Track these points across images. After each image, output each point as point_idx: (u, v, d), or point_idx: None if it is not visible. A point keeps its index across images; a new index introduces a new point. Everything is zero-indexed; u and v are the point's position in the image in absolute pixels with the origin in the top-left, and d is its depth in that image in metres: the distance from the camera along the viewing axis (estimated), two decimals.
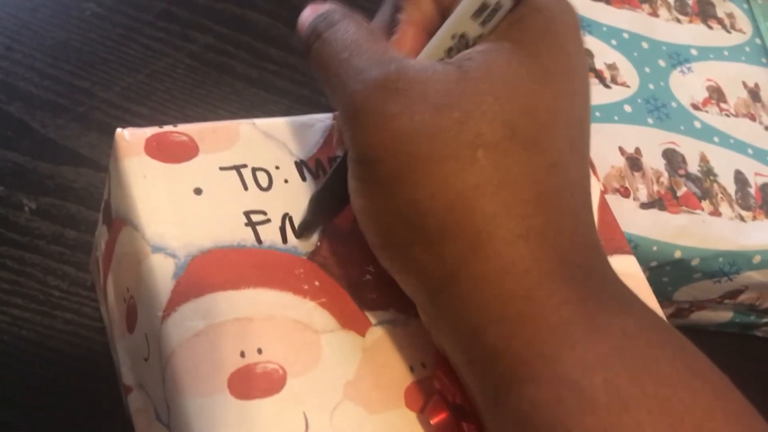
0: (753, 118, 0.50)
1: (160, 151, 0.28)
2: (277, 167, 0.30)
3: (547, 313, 0.21)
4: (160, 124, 0.29)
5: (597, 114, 0.44)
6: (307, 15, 0.26)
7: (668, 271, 0.43)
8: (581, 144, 0.24)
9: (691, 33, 0.51)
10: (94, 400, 0.35)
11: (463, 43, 0.24)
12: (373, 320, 0.28)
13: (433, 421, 0.26)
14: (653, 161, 0.44)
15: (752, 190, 0.46)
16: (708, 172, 0.45)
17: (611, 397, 0.20)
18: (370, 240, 0.25)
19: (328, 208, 0.28)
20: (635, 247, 0.41)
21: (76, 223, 0.39)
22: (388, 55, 0.23)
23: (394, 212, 0.23)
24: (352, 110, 0.23)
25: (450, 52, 0.24)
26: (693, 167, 0.45)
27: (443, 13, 0.26)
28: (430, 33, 0.25)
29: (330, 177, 0.28)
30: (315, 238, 0.29)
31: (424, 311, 0.25)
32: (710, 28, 0.52)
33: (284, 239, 0.28)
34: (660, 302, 0.32)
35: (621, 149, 0.43)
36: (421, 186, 0.22)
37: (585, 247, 0.23)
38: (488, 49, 0.23)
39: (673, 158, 0.45)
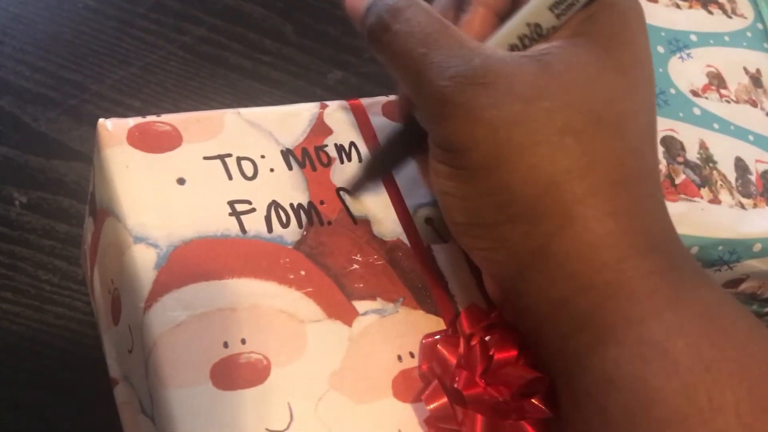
0: (754, 104, 0.49)
1: (143, 141, 0.28)
2: (262, 156, 0.29)
3: (634, 282, 0.23)
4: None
5: None
6: None
7: None
8: (653, 131, 0.26)
9: (690, 18, 0.50)
10: (86, 394, 0.34)
11: (536, 32, 0.26)
12: (360, 310, 0.27)
13: (430, 408, 0.25)
14: None
15: (753, 177, 0.45)
16: (707, 159, 0.45)
17: (693, 359, 0.22)
18: (453, 219, 0.26)
19: (383, 170, 0.30)
20: None
21: (67, 216, 0.39)
22: (467, 48, 0.24)
23: (485, 194, 0.24)
24: (441, 104, 0.24)
25: (523, 39, 0.26)
26: (692, 154, 0.44)
27: None
28: (500, 16, 0.27)
29: (390, 141, 0.29)
30: (302, 227, 0.28)
31: (506, 286, 0.26)
32: (710, 13, 0.51)
33: (269, 229, 0.28)
34: None
35: None
36: (513, 171, 0.24)
37: (664, 226, 0.25)
38: (567, 44, 0.25)
39: (671, 145, 0.44)
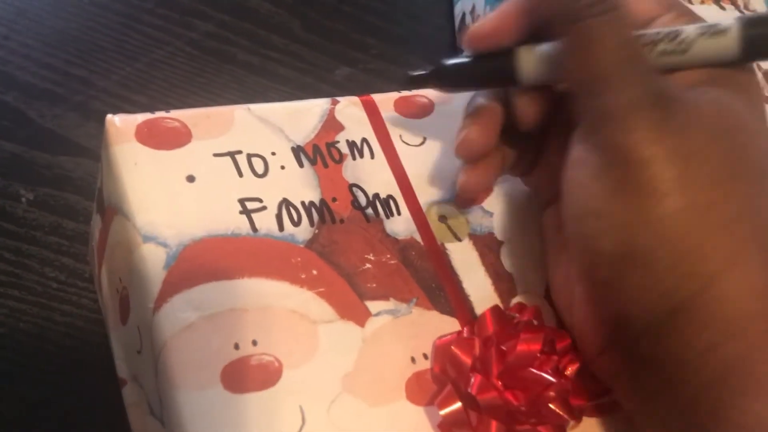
0: (767, 101, 0.48)
1: (152, 137, 0.27)
2: (273, 153, 0.29)
3: None
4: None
5: None
6: None
7: None
8: None
9: (703, 14, 0.49)
10: (92, 392, 0.34)
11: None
12: (372, 310, 0.27)
13: (443, 412, 0.25)
14: None
15: None
16: None
17: None
18: (598, 247, 0.24)
19: (449, 81, 0.28)
20: None
21: (74, 213, 0.39)
22: (654, 72, 0.24)
23: (651, 223, 0.23)
24: (631, 110, 0.23)
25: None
26: None
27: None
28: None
29: (476, 66, 0.28)
30: (314, 226, 0.28)
31: (634, 333, 0.24)
32: (723, 8, 0.51)
33: (281, 227, 0.27)
34: None
35: None
36: (687, 205, 0.23)
37: None
38: (732, 90, 0.25)
39: None
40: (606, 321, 0.25)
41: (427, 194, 0.30)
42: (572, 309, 0.27)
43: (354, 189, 0.29)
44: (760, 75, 0.49)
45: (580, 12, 0.24)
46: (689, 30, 0.25)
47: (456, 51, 0.51)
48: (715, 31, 0.25)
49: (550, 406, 0.24)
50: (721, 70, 0.25)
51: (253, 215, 0.27)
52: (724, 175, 0.23)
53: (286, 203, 0.28)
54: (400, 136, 0.31)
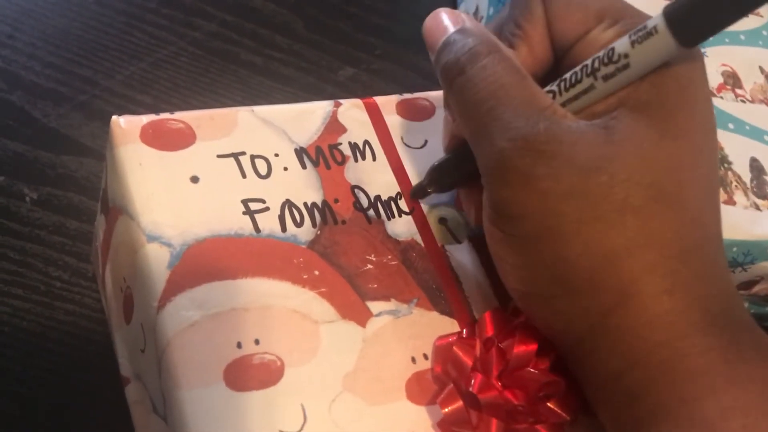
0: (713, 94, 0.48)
1: (156, 138, 0.28)
2: (276, 155, 0.29)
3: (690, 360, 0.22)
4: (162, 112, 0.28)
5: None
6: (443, 27, 0.26)
7: None
8: (715, 196, 0.25)
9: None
10: (95, 391, 0.34)
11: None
12: (373, 311, 0.27)
13: (445, 411, 0.25)
14: None
15: None
16: (722, 159, 0.44)
17: None
18: (509, 284, 0.25)
19: (443, 183, 0.29)
20: None
21: (78, 213, 0.39)
22: (536, 108, 0.23)
23: (539, 266, 0.24)
24: (497, 166, 0.23)
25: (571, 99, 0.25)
26: None
27: (558, 50, 0.26)
28: (538, 60, 0.26)
29: (451, 157, 0.29)
30: (316, 226, 0.28)
31: (564, 352, 0.26)
32: None
33: (283, 228, 0.28)
34: None
35: None
36: (569, 245, 0.23)
37: (726, 296, 0.24)
38: (629, 111, 0.23)
39: None
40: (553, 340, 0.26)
41: (428, 197, 0.30)
42: None
43: (356, 190, 0.29)
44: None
45: (450, 72, 0.25)
46: (621, 44, 0.23)
47: None
48: (644, 34, 0.23)
49: (548, 405, 0.25)
50: (645, 87, 0.24)
51: (256, 216, 0.27)
52: (607, 209, 0.23)
53: (288, 204, 0.28)
54: (402, 138, 0.31)
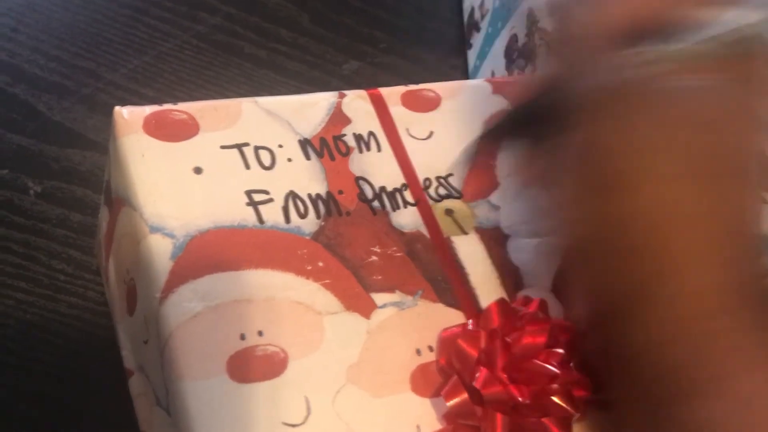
0: None
1: (159, 129, 0.27)
2: (280, 146, 0.29)
3: (731, 335, 0.23)
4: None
5: None
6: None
7: None
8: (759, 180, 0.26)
9: None
10: (99, 384, 0.34)
11: None
12: (378, 302, 0.27)
13: (449, 403, 0.25)
14: None
15: None
16: None
17: None
18: (565, 239, 0.26)
19: (513, 132, 0.29)
20: None
21: (82, 206, 0.39)
22: (633, 61, 0.24)
23: (608, 214, 0.24)
24: (593, 102, 0.24)
25: None
26: None
27: None
28: None
29: (526, 110, 0.28)
30: (320, 218, 0.28)
31: (592, 328, 0.26)
32: None
33: (287, 219, 0.27)
34: None
35: None
36: (640, 198, 0.23)
37: (763, 277, 0.24)
38: (716, 78, 0.24)
39: None
40: (585, 304, 0.26)
41: (433, 188, 0.30)
42: (568, 299, 0.27)
43: (360, 182, 0.29)
44: None
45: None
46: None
47: (464, 45, 0.51)
48: None
49: (554, 399, 0.24)
50: (724, 55, 0.25)
51: (260, 207, 0.27)
52: (695, 170, 0.23)
53: (292, 195, 0.28)
54: (407, 129, 0.31)
